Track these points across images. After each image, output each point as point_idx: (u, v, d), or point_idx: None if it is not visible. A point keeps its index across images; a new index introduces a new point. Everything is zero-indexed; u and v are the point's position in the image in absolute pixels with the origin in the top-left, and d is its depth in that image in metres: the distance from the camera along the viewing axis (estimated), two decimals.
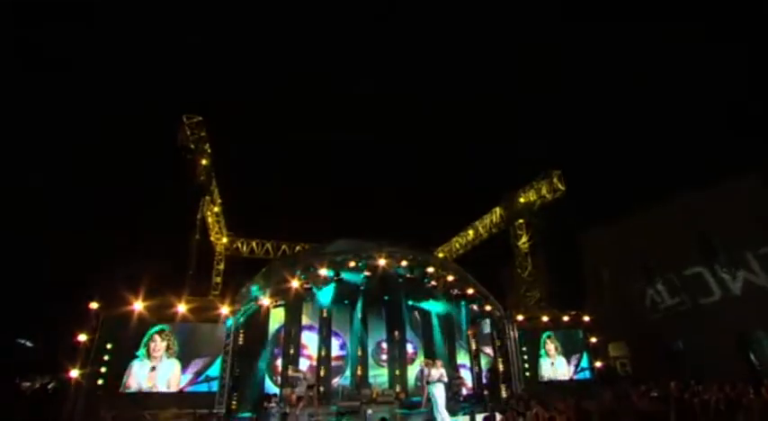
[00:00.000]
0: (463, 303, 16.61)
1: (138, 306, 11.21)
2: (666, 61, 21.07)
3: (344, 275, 14.81)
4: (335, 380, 17.12)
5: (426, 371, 10.50)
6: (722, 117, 18.39)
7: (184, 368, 11.70)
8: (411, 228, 22.89)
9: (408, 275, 15.55)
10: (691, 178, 17.24)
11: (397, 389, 16.48)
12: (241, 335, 14.13)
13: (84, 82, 21.21)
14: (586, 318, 16.21)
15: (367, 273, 14.70)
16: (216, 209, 17.64)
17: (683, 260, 16.76)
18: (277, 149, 26.33)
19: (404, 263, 14.98)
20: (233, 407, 12.29)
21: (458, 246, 22.78)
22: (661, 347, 17.04)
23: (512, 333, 15.67)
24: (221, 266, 20.19)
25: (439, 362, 10.59)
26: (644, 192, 17.20)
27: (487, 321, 16.92)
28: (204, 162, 14.22)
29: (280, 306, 14.51)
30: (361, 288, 16.91)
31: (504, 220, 19.31)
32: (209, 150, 14.43)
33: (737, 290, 16.38)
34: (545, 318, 15.98)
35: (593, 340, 16.08)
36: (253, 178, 24.25)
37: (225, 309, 12.55)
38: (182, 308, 11.74)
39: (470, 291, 15.87)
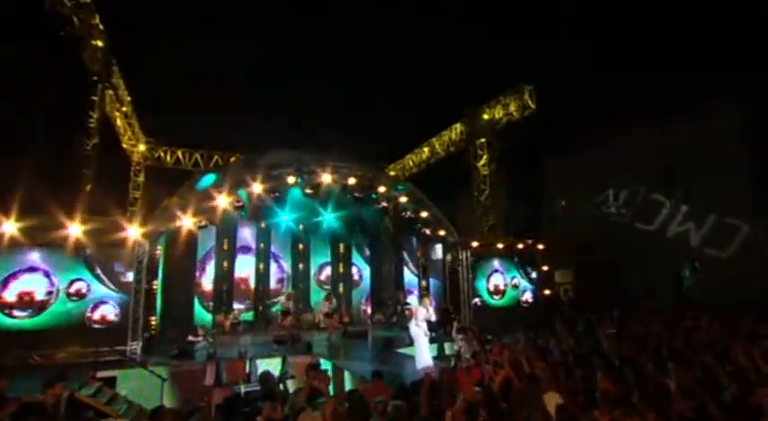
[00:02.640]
0: (415, 226, 15.40)
1: (10, 227, 8.73)
2: None
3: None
4: (275, 306, 15.87)
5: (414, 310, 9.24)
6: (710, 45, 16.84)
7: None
8: (360, 142, 20.63)
9: (356, 194, 13.87)
10: (666, 108, 16.01)
11: (341, 314, 15.49)
12: (160, 260, 12.25)
13: None
14: (541, 246, 15.66)
15: (308, 191, 12.82)
16: (125, 108, 14.40)
17: (647, 186, 16.34)
18: (205, 39, 22.16)
19: (351, 180, 13.20)
20: (151, 341, 10.69)
21: (411, 164, 21.14)
22: (604, 276, 17.04)
23: (464, 259, 14.85)
24: (140, 179, 17.32)
25: (427, 301, 9.36)
26: (616, 118, 15.90)
27: (439, 246, 16.00)
28: (97, 43, 10.85)
29: (204, 226, 12.49)
30: (304, 207, 15.19)
31: (465, 139, 17.67)
32: (101, 26, 10.94)
33: (672, 233, 16.38)
34: (500, 245, 15.22)
35: (545, 268, 15.71)
36: (177, 74, 20.44)
37: (135, 231, 10.36)
38: (75, 229, 9.38)
39: (424, 214, 14.56)
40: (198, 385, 8.76)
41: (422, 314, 8.52)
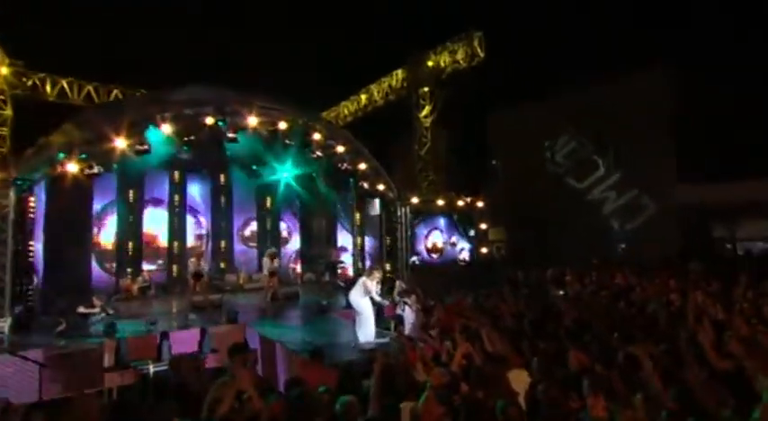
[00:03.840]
0: (351, 180, 14.14)
1: None
2: None
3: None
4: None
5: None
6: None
7: None
8: (290, 85, 18.40)
9: (287, 141, 12.20)
10: (599, 69, 15.73)
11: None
12: (32, 213, 9.86)
13: None
14: (480, 204, 15.24)
15: (231, 135, 10.93)
16: None
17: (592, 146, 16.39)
18: None
19: (282, 124, 11.50)
20: (26, 317, 8.62)
21: (346, 112, 19.47)
22: (535, 233, 17.14)
23: (404, 216, 14.04)
24: (7, 112, 13.85)
25: (377, 274, 8.20)
26: (559, 75, 15.45)
27: (376, 202, 14.98)
28: None
29: (97, 174, 10.19)
30: (225, 154, 13.20)
31: (406, 86, 16.35)
32: None
33: (594, 196, 16.73)
34: (440, 202, 14.55)
35: (483, 226, 15.42)
36: None
37: None
38: None
39: (362, 167, 13.34)
40: (91, 369, 7.14)
41: (371, 287, 7.50)
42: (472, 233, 15.40)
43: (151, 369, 7.25)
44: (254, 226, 15.72)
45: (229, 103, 10.61)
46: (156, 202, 13.96)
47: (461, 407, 3.56)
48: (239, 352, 5.66)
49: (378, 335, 7.91)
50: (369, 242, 15.28)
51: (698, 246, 13.98)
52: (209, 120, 10.43)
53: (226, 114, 10.60)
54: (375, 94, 17.80)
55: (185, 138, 10.58)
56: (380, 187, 13.80)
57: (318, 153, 12.82)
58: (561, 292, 9.31)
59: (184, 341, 8.21)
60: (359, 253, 15.31)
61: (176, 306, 10.83)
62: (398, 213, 14.03)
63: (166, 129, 9.99)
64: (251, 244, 15.63)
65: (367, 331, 7.53)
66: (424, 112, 15.86)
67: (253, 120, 10.95)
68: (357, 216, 15.37)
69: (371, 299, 7.87)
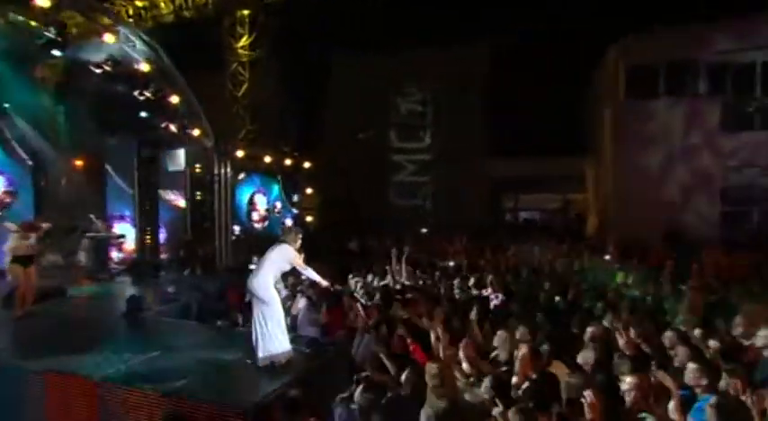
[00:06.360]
0: (147, 116, 9.62)
1: None
2: None
3: None
4: None
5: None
6: None
7: None
8: None
9: (54, 36, 7.11)
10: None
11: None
12: None
13: None
14: (307, 164, 13.15)
15: None
16: None
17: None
18: None
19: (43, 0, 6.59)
20: None
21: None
22: (346, 200, 16.20)
23: (224, 174, 10.68)
24: None
25: (300, 236, 4.53)
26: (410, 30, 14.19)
27: (181, 153, 10.89)
28: None
29: None
30: None
31: (214, 4, 12.30)
32: None
33: (394, 160, 17.27)
34: (267, 159, 11.73)
35: (309, 191, 13.47)
36: None
37: None
38: None
39: (174, 100, 9.26)
40: None
41: (297, 258, 4.56)
42: (296, 198, 13.25)
43: None
44: None
45: None
46: None
47: None
48: None
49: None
50: (165, 207, 11.06)
51: (492, 216, 15.99)
52: None
53: None
54: (162, 6, 12.73)
55: None
56: (195, 132, 9.98)
57: (106, 67, 8.03)
58: (451, 263, 8.62)
59: None
60: (145, 223, 10.90)
61: None
62: (216, 170, 10.58)
63: None
64: None
65: (278, 339, 4.66)
66: (242, 42, 12.36)
67: None
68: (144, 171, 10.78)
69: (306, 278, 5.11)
